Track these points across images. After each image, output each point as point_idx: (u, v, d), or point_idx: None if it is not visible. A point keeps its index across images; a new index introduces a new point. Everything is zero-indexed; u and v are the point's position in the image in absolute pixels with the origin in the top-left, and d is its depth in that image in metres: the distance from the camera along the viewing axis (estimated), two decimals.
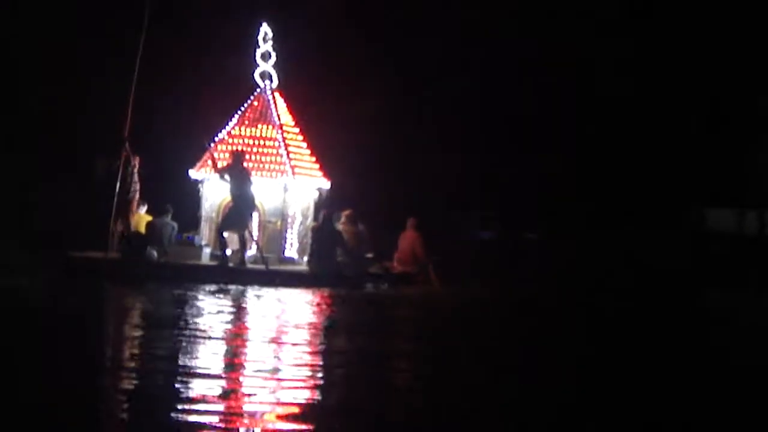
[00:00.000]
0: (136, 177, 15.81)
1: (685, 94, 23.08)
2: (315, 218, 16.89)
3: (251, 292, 13.06)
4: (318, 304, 12.36)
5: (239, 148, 15.61)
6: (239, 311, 11.40)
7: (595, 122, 22.72)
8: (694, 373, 8.15)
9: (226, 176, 14.74)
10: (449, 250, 19.19)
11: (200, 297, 12.16)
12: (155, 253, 14.92)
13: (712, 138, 23.21)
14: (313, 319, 11.06)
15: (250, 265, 14.79)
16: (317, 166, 16.96)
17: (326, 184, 17.00)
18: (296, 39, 18.54)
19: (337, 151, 19.09)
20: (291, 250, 16.03)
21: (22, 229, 16.95)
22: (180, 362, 7.50)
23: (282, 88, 16.88)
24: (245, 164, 15.11)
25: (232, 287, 13.32)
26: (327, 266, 14.51)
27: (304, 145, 16.93)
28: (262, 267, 14.70)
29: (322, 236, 14.80)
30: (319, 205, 16.93)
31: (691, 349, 9.73)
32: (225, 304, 11.82)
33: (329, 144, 18.81)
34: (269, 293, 13.04)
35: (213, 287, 13.09)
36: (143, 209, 16.31)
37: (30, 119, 19.55)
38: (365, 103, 20.71)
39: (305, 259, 15.42)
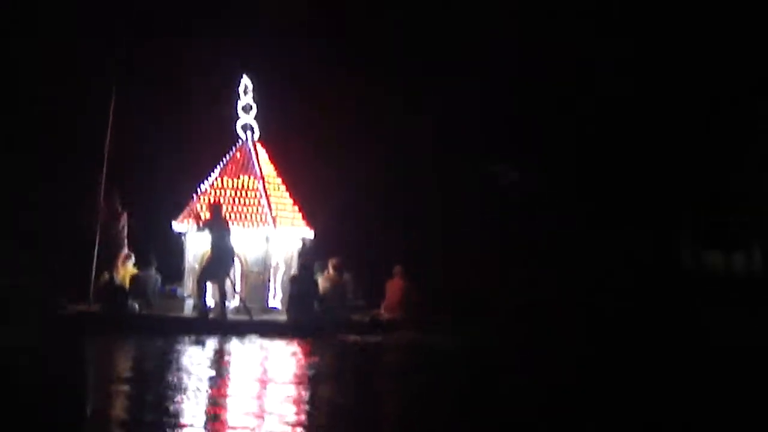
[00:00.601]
0: (125, 233, 15.90)
1: (689, 93, 23.21)
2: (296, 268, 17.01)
3: (228, 342, 13.13)
4: (293, 354, 12.43)
5: (217, 199, 15.75)
6: (214, 362, 11.46)
7: (595, 123, 22.84)
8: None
9: (206, 229, 14.88)
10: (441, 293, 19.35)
11: (177, 349, 12.22)
12: (137, 306, 15.00)
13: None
14: (286, 369, 11.12)
15: (230, 316, 14.86)
16: (300, 215, 17.08)
17: (309, 233, 17.12)
18: (277, 87, 18.71)
19: (322, 199, 19.27)
20: (274, 300, 16.09)
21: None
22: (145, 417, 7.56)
23: (263, 139, 17.07)
24: (223, 216, 15.24)
25: (210, 338, 13.38)
26: (305, 315, 14.58)
27: (287, 194, 17.07)
28: (245, 317, 14.77)
29: (299, 286, 14.88)
30: (302, 255, 17.06)
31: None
32: (200, 355, 11.89)
33: (313, 192, 19.00)
34: (245, 344, 13.12)
35: (191, 339, 13.14)
36: (130, 262, 16.40)
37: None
38: (350, 147, 20.91)
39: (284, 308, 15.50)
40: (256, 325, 14.47)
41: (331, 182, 20.37)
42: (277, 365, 11.47)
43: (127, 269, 16.23)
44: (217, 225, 14.88)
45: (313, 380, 10.19)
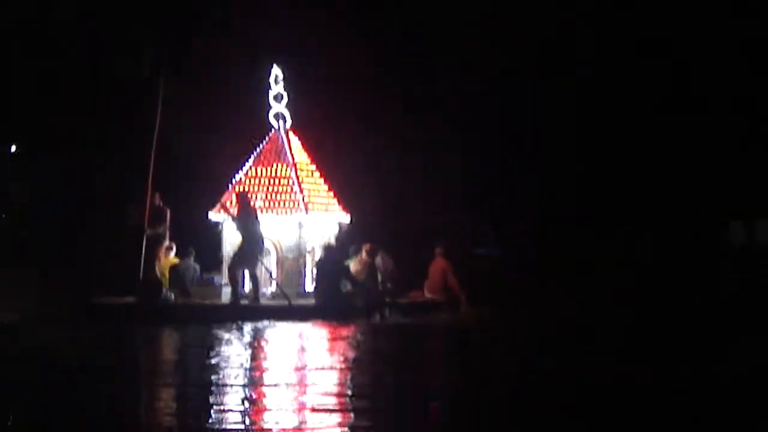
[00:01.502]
0: (166, 227, 16.22)
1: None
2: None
3: (259, 327, 13.43)
4: (319, 337, 12.67)
5: (243, 189, 16.06)
6: (245, 347, 11.71)
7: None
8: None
9: (234, 220, 15.22)
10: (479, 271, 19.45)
11: (210, 336, 12.49)
12: (172, 295, 15.37)
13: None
14: (310, 352, 11.33)
15: (265, 302, 15.16)
16: (335, 201, 17.30)
17: (345, 218, 17.34)
18: (310, 74, 18.97)
19: (360, 185, 19.49)
20: (311, 285, 16.34)
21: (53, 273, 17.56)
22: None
23: (297, 127, 17.34)
24: (251, 204, 15.54)
25: (242, 324, 13.67)
26: (332, 298, 14.81)
27: (321, 181, 17.30)
28: (283, 302, 15.07)
29: (324, 269, 15.12)
30: (339, 239, 17.30)
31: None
32: (230, 340, 12.15)
33: (350, 178, 19.22)
34: (275, 328, 13.40)
35: (224, 325, 13.42)
36: (172, 253, 16.79)
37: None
38: (384, 133, 21.09)
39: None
40: (288, 309, 14.71)
41: (369, 167, 20.55)
42: (300, 348, 11.67)
43: (168, 259, 16.63)
44: (245, 214, 15.19)
45: (348, 363, 10.30)
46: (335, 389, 8.36)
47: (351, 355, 10.88)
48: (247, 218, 15.16)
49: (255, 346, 11.82)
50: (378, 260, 16.78)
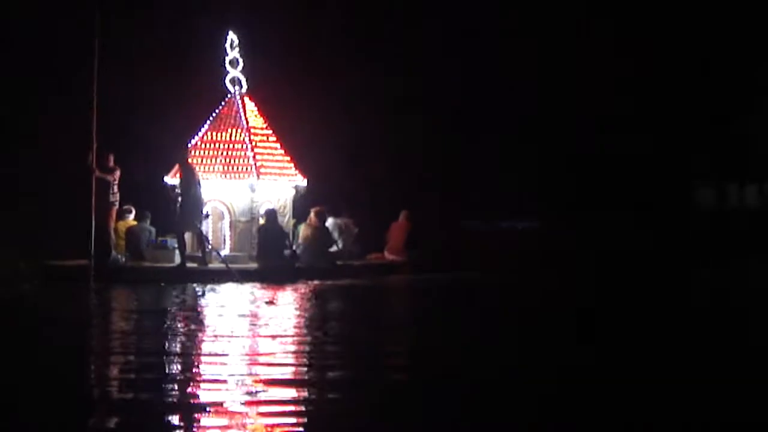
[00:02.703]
0: (115, 188, 16.38)
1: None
2: (293, 215, 17.57)
3: (198, 288, 13.84)
4: (255, 298, 13.05)
5: (193, 152, 16.33)
6: (177, 306, 12.09)
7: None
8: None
9: (179, 183, 15.53)
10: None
11: (145, 296, 12.88)
12: (121, 258, 15.71)
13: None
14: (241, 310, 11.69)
15: (212, 265, 15.50)
16: (291, 165, 17.54)
17: (302, 182, 17.59)
18: (266, 38, 19.16)
19: (320, 148, 19.72)
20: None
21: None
22: None
23: (253, 92, 17.56)
24: (194, 168, 15.77)
25: (183, 285, 14.05)
26: (273, 262, 15.13)
27: (277, 145, 17.53)
28: (223, 266, 15.39)
29: (267, 234, 15.42)
30: (296, 203, 17.61)
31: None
32: (165, 300, 12.53)
33: (311, 142, 19.46)
34: (215, 289, 13.77)
35: (163, 287, 13.81)
36: (131, 216, 17.09)
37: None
38: (348, 93, 21.30)
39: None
40: (230, 272, 15.02)
41: (329, 131, 20.75)
42: (237, 307, 12.02)
43: (126, 222, 16.93)
44: (186, 178, 15.47)
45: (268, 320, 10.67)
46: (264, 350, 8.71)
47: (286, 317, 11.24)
48: (188, 183, 15.42)
49: (187, 308, 12.19)
50: (337, 222, 17.20)
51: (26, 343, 8.77)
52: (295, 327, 10.33)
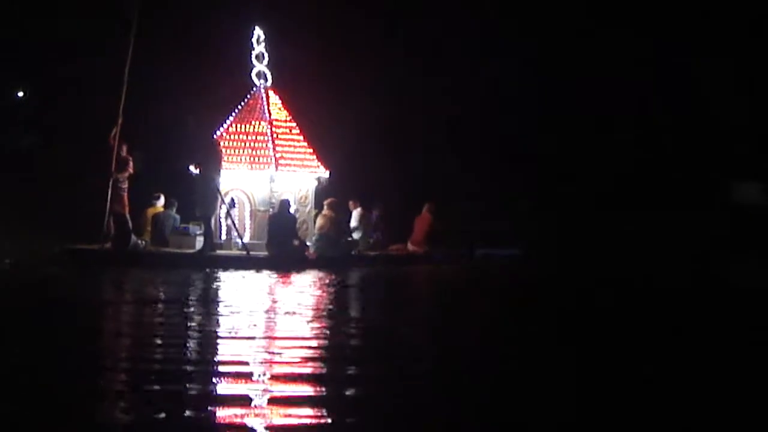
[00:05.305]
0: (126, 177, 16.75)
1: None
2: (315, 206, 18.09)
3: (207, 274, 14.35)
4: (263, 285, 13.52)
5: (218, 143, 16.92)
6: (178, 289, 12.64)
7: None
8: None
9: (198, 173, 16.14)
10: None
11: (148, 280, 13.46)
12: (143, 243, 16.37)
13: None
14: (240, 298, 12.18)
15: (222, 252, 16.19)
16: (313, 157, 18.07)
17: (324, 174, 18.11)
18: (294, 34, 19.69)
19: (345, 141, 20.25)
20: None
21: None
22: None
23: (279, 86, 18.13)
24: (214, 159, 16.31)
25: (193, 271, 14.59)
26: (283, 251, 15.65)
27: (300, 138, 18.07)
28: (242, 252, 16.00)
29: (278, 223, 15.94)
30: (318, 194, 18.14)
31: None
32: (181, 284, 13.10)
33: (336, 136, 19.99)
34: (224, 276, 14.26)
35: (174, 272, 14.37)
36: (159, 202, 17.76)
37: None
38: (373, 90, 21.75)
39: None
40: (241, 260, 15.59)
41: (352, 124, 21.24)
42: (239, 294, 12.48)
43: (154, 208, 17.64)
44: (206, 168, 16.06)
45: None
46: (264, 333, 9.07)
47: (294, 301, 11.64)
48: (206, 172, 16.02)
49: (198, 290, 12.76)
50: (358, 213, 17.80)
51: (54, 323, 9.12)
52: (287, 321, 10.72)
